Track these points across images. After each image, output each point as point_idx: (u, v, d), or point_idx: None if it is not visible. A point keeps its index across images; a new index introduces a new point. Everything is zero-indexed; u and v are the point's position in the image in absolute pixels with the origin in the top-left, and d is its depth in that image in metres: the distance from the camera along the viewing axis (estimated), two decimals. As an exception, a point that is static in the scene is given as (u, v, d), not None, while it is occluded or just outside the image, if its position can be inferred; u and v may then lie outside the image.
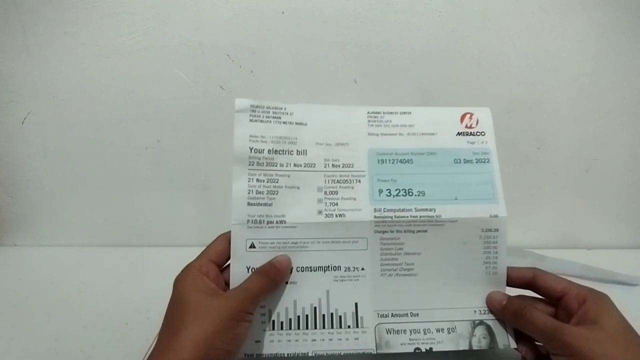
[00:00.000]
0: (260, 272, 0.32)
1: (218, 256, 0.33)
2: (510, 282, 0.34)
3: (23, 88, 0.54)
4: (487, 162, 0.35)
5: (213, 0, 0.51)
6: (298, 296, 0.33)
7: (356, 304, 0.33)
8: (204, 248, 0.34)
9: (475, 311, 0.34)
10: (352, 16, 0.52)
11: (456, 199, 0.34)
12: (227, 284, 0.33)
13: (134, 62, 0.53)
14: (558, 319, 0.30)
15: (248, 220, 0.33)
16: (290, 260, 0.33)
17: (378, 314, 0.33)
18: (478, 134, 0.36)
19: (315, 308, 0.33)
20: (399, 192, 0.34)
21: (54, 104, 0.55)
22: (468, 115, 0.37)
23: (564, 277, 0.32)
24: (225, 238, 0.34)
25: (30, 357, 0.41)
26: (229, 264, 0.34)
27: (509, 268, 0.34)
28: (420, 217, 0.34)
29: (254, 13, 0.52)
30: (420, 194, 0.34)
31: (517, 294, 0.34)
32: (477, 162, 0.35)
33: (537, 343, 0.32)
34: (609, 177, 0.58)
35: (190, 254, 0.33)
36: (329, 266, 0.34)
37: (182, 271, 0.31)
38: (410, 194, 0.34)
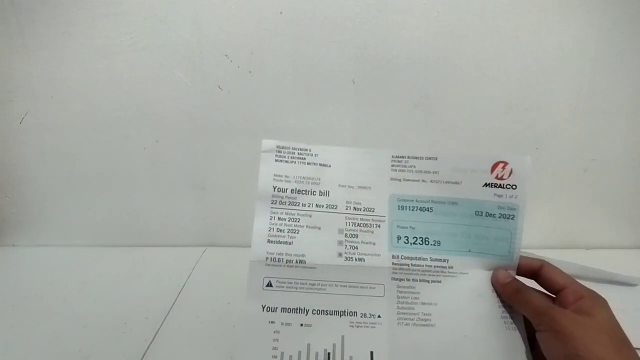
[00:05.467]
0: None
1: None
2: (518, 271, 0.34)
3: (21, 88, 0.54)
4: (512, 218, 0.34)
5: (211, 1, 0.51)
6: (312, 340, 0.32)
7: (372, 352, 0.32)
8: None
9: None
10: (351, 17, 0.51)
11: (469, 251, 0.34)
12: None
13: (132, 63, 0.53)
14: None
15: (267, 258, 0.33)
16: None
17: None
18: (509, 187, 0.34)
19: (329, 354, 0.32)
20: (417, 240, 0.34)
21: (52, 104, 0.55)
22: (501, 165, 0.34)
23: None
24: None
25: (29, 357, 0.41)
26: None
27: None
28: (435, 267, 0.34)
29: (252, 13, 0.51)
30: (436, 244, 0.34)
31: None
32: (500, 217, 0.34)
33: None
34: (608, 177, 0.58)
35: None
36: (345, 311, 0.33)
37: None
38: (427, 243, 0.34)
